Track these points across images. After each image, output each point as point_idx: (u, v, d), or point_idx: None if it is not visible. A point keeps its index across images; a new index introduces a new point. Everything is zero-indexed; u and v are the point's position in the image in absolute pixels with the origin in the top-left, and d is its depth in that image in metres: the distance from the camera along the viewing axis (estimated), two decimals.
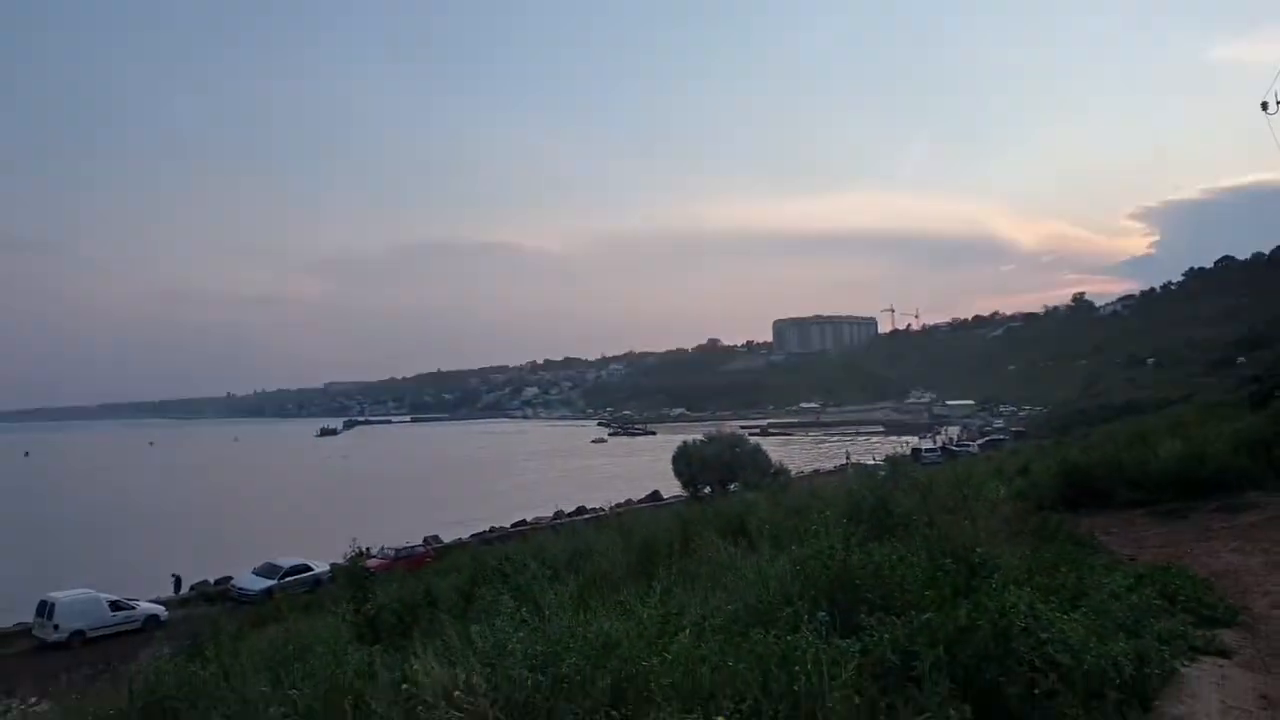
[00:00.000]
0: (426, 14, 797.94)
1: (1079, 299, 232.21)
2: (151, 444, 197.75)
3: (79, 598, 30.80)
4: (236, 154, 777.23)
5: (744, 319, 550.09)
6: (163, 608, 33.12)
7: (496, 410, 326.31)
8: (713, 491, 43.99)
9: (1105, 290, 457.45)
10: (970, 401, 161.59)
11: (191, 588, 38.45)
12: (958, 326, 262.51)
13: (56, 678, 18.54)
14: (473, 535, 46.25)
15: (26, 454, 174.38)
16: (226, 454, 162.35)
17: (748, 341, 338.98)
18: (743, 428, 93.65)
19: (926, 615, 5.11)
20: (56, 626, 29.49)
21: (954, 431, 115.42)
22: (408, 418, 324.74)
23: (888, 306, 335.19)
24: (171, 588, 38.01)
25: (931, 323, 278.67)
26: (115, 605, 31.40)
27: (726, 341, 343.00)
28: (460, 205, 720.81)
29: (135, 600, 32.67)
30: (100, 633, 30.16)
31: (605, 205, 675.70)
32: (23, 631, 30.47)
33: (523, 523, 49.60)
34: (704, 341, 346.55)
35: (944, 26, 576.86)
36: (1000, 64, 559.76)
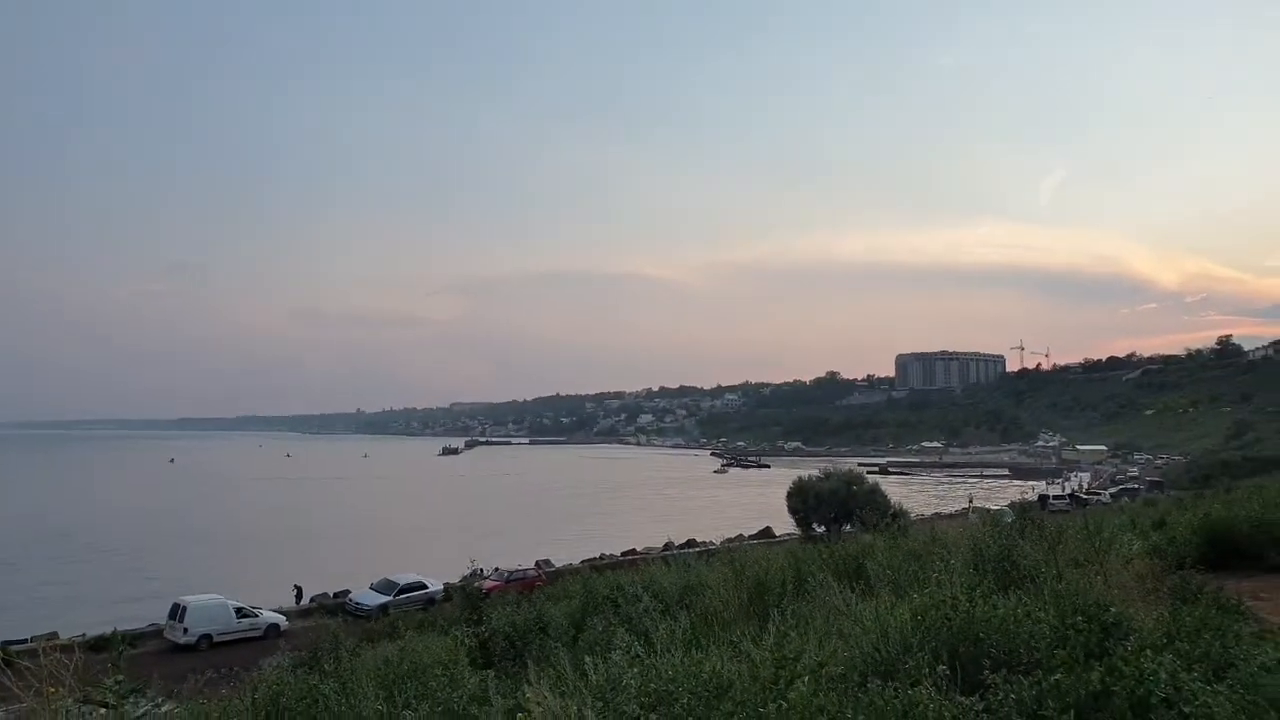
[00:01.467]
0: (555, 59, 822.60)
1: (1225, 342, 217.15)
2: (289, 456, 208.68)
3: (208, 603, 32.46)
4: (382, 180, 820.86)
5: (865, 352, 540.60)
6: (283, 617, 34.53)
7: (611, 435, 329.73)
8: (828, 531, 43.00)
9: (1254, 333, 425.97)
10: (1102, 447, 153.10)
11: (312, 599, 39.92)
12: (1091, 367, 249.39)
13: (184, 679, 19.65)
14: (583, 561, 46.61)
15: (172, 460, 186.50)
16: (357, 469, 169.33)
17: (868, 375, 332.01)
18: (861, 465, 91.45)
19: (1056, 676, 4.86)
20: (186, 629, 31.10)
21: (1084, 478, 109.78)
22: (526, 439, 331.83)
23: (1017, 344, 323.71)
24: (293, 598, 39.59)
25: (1062, 362, 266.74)
26: (241, 612, 32.94)
27: (846, 374, 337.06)
28: (594, 235, 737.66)
29: (259, 609, 34.20)
30: (226, 638, 31.65)
31: (732, 236, 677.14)
32: (155, 632, 32.21)
33: (632, 551, 49.65)
34: (823, 374, 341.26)
35: (1081, 57, 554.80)
36: (1141, 95, 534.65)
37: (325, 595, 40.46)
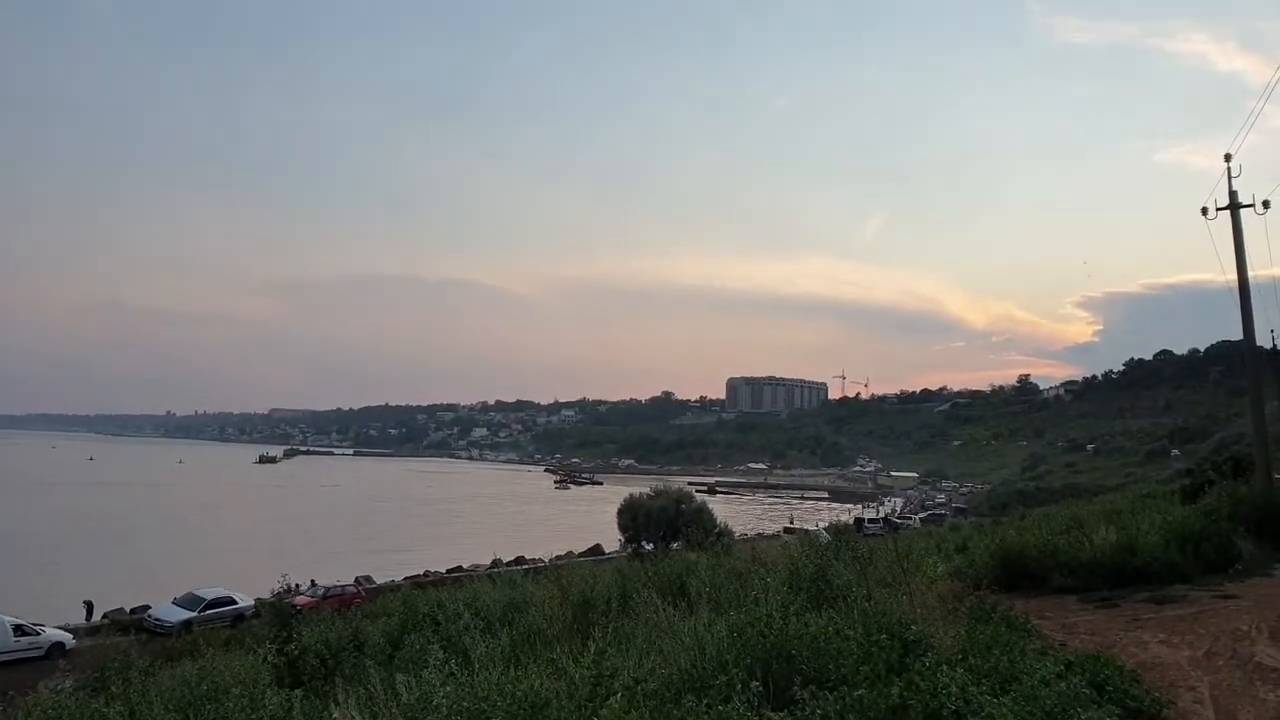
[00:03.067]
0: (400, 52, 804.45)
1: (1024, 381, 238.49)
2: (91, 459, 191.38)
3: None
4: (199, 168, 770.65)
5: (699, 374, 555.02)
6: (70, 635, 31.52)
7: (443, 449, 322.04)
8: (655, 548, 43.60)
9: (1049, 374, 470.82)
10: (914, 474, 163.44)
11: (105, 615, 36.75)
12: (906, 398, 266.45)
13: None
14: (406, 577, 45.17)
15: None
16: (170, 475, 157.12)
17: (701, 397, 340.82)
18: (690, 484, 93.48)
19: (859, 692, 5.09)
20: None
21: (897, 503, 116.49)
22: (350, 450, 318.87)
23: (839, 373, 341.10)
24: (83, 614, 36.29)
25: (880, 392, 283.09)
26: (20, 629, 29.79)
27: (680, 395, 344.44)
28: (421, 241, 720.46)
29: (42, 625, 31.05)
30: (2, 659, 28.57)
31: (572, 252, 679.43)
32: None
33: (459, 569, 48.56)
34: (658, 393, 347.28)
35: (907, 108, 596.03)
36: (959, 149, 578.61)
37: (121, 611, 37.38)
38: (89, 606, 36.91)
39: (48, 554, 58.99)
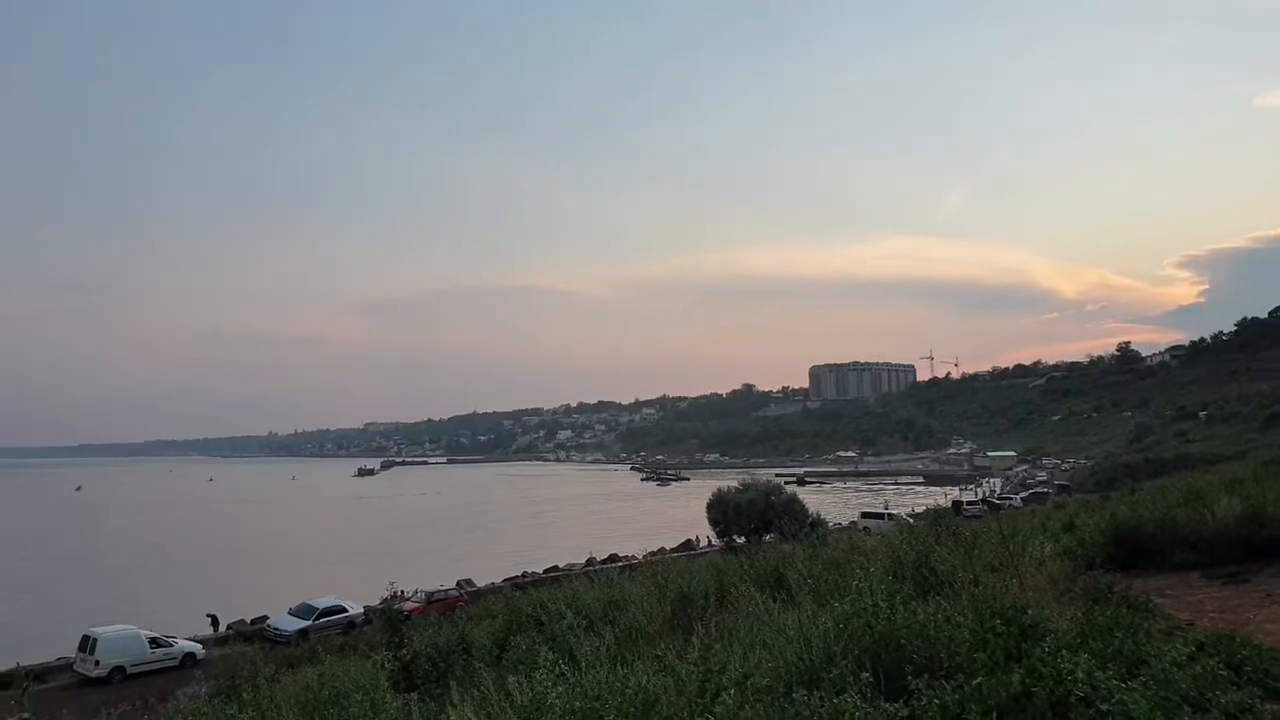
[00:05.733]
0: (461, 68, 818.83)
1: (1124, 349, 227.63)
2: (211, 480, 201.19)
3: (120, 633, 30.86)
4: (288, 201, 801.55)
5: (780, 364, 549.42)
6: (200, 646, 33.14)
7: (530, 452, 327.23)
8: (748, 541, 43.35)
9: (1152, 340, 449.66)
10: (1012, 453, 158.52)
11: (228, 627, 38.48)
12: (998, 375, 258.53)
13: (96, 713, 18.64)
14: (505, 579, 45.97)
15: (78, 489, 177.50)
16: (283, 491, 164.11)
17: (784, 387, 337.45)
18: (778, 475, 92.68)
19: (977, 680, 4.93)
20: (98, 662, 29.55)
21: (995, 483, 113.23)
22: (444, 459, 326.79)
23: (926, 354, 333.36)
24: (209, 626, 38.09)
25: (971, 371, 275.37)
26: (155, 642, 31.46)
27: (762, 387, 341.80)
28: (495, 251, 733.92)
29: (174, 638, 32.75)
30: (140, 669, 30.14)
31: (643, 252, 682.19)
32: (65, 666, 30.56)
33: (554, 568, 49.18)
34: (739, 386, 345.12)
35: (981, 74, 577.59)
36: (1038, 112, 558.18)
37: (242, 622, 39.04)
38: (214, 619, 38.65)
39: (172, 571, 62.20)
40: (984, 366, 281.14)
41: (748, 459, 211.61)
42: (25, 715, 4.91)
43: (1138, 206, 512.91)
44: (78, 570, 62.54)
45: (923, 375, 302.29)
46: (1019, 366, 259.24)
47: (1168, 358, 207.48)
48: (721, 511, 49.46)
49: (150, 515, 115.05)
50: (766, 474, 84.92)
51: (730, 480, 56.53)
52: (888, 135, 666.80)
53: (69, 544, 79.65)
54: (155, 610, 40.60)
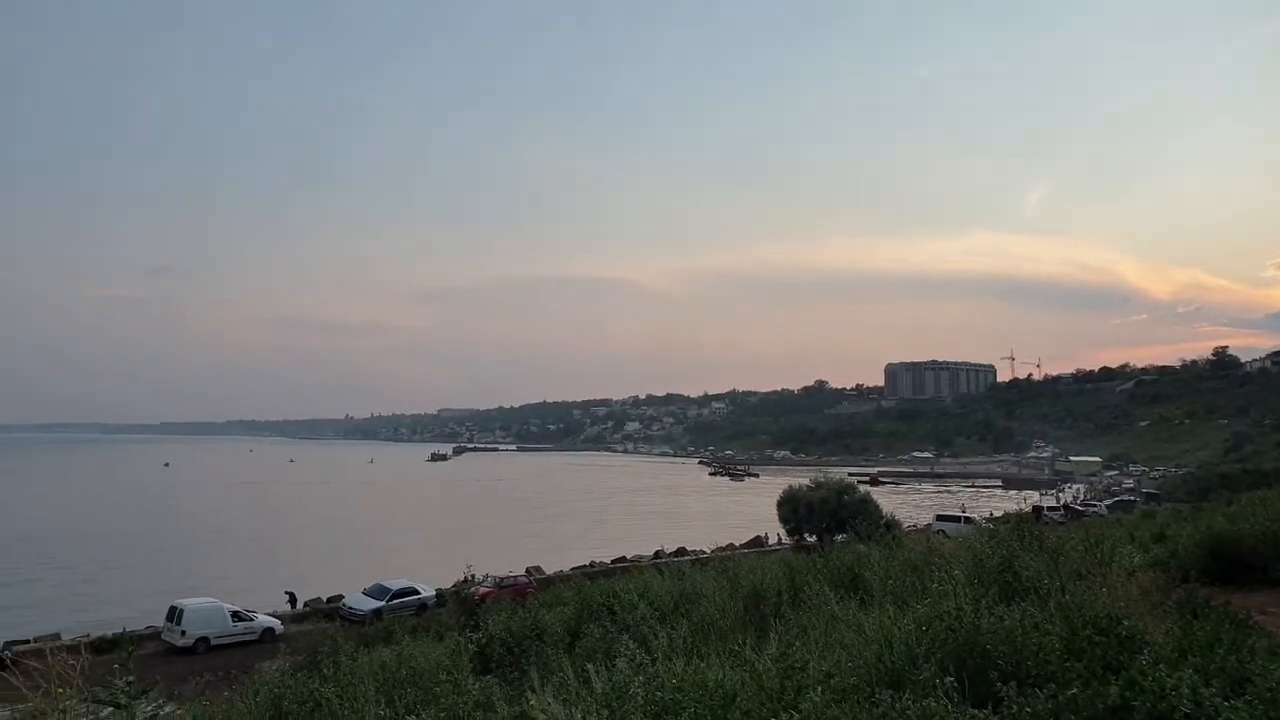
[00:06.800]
0: (530, 63, 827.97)
1: (1221, 353, 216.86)
2: (291, 461, 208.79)
3: (205, 606, 32.29)
4: (353, 186, 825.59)
5: (854, 361, 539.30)
6: (278, 621, 34.33)
7: (598, 443, 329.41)
8: (820, 540, 42.91)
9: (1251, 345, 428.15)
10: (1096, 458, 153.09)
11: (305, 604, 39.70)
12: (1083, 378, 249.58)
13: (185, 681, 19.50)
14: (574, 568, 46.41)
15: (166, 465, 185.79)
16: (361, 474, 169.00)
17: (858, 385, 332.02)
18: (851, 474, 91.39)
19: (1072, 691, 4.76)
20: (184, 632, 30.97)
21: (1078, 489, 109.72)
22: (514, 446, 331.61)
23: (1007, 354, 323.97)
24: (286, 603, 39.35)
25: (1054, 372, 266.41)
26: (236, 615, 32.77)
27: (835, 384, 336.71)
28: (567, 241, 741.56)
29: (254, 612, 34.02)
30: (222, 641, 31.49)
31: (717, 243, 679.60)
32: (152, 634, 31.99)
33: (623, 559, 49.45)
34: (811, 383, 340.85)
35: (1068, 68, 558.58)
36: (1127, 106, 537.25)
37: (319, 600, 40.20)
38: (291, 597, 39.94)
39: (257, 547, 64.67)
40: (1067, 368, 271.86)
41: (819, 456, 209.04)
42: (130, 678, 5.15)
43: (1234, 206, 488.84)
44: (167, 544, 65.41)
45: (1003, 376, 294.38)
46: (1105, 369, 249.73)
47: (1269, 364, 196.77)
48: (792, 509, 49.10)
49: (234, 492, 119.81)
50: (839, 472, 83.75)
51: (801, 478, 56.04)
52: (969, 128, 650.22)
53: (160, 519, 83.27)
54: (236, 585, 42.12)
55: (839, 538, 40.14)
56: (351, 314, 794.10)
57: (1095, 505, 77.57)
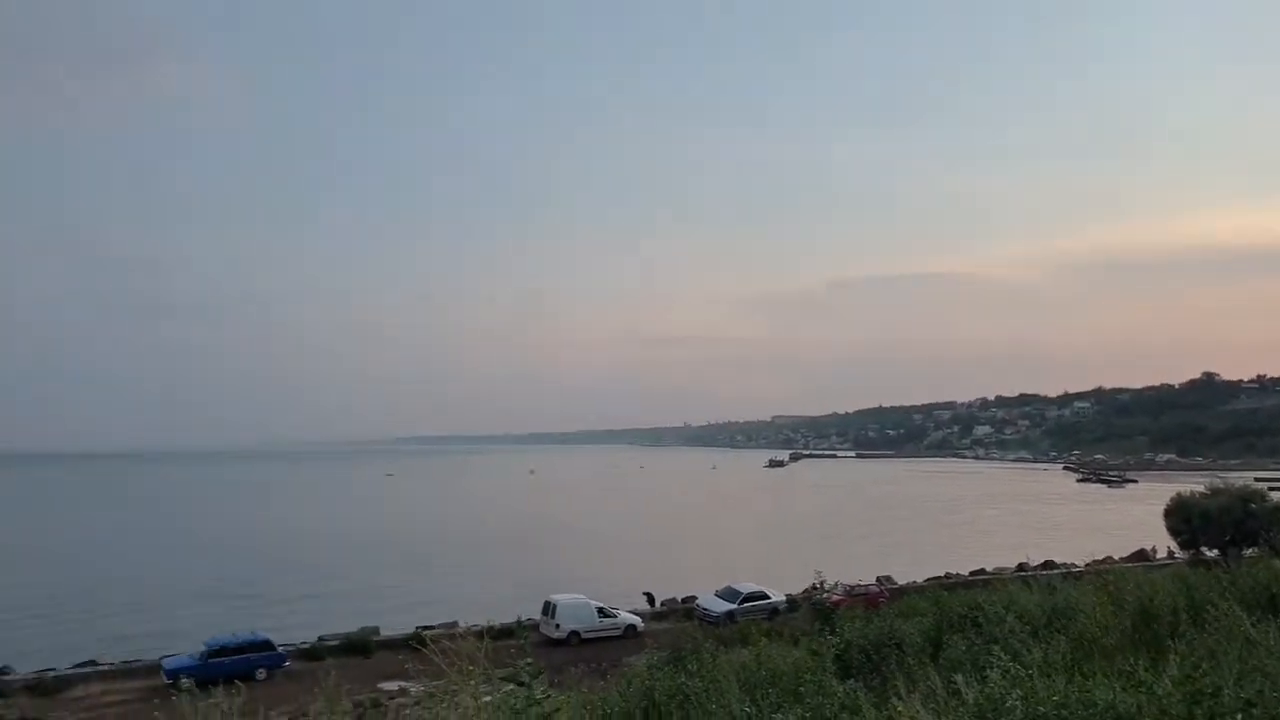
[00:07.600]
0: (843, 60, 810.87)
1: None
2: (642, 467, 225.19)
3: (575, 601, 35.53)
4: (695, 205, 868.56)
5: (1250, 348, 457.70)
6: (639, 619, 36.76)
7: (944, 448, 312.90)
8: (1222, 554, 37.28)
9: None
10: None
11: (662, 604, 42.02)
12: None
13: (561, 670, 21.68)
14: (928, 579, 44.55)
15: (532, 471, 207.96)
16: (708, 480, 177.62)
17: (1258, 376, 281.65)
18: (1259, 479, 78.17)
19: None
20: (558, 625, 34.36)
21: None
22: (852, 453, 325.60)
23: None
24: (645, 603, 41.92)
25: None
26: (602, 612, 35.65)
27: (1227, 375, 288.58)
28: (899, 239, 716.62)
29: (617, 609, 36.77)
30: (590, 635, 34.44)
31: (1054, 224, 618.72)
32: (529, 626, 35.70)
33: (981, 571, 46.52)
34: (1196, 375, 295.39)
35: None
36: None
37: (674, 600, 42.37)
38: (650, 597, 42.53)
39: (617, 548, 70.01)
40: None
41: (1214, 459, 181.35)
42: (528, 660, 5.94)
43: None
44: (535, 543, 73.01)
45: None
46: None
47: None
48: (1184, 519, 43.08)
49: (596, 495, 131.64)
50: (1241, 477, 72.14)
51: (1192, 484, 49.04)
52: None
53: (528, 520, 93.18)
54: (599, 583, 45.63)
55: (1247, 551, 34.62)
56: (686, 328, 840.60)
57: None
